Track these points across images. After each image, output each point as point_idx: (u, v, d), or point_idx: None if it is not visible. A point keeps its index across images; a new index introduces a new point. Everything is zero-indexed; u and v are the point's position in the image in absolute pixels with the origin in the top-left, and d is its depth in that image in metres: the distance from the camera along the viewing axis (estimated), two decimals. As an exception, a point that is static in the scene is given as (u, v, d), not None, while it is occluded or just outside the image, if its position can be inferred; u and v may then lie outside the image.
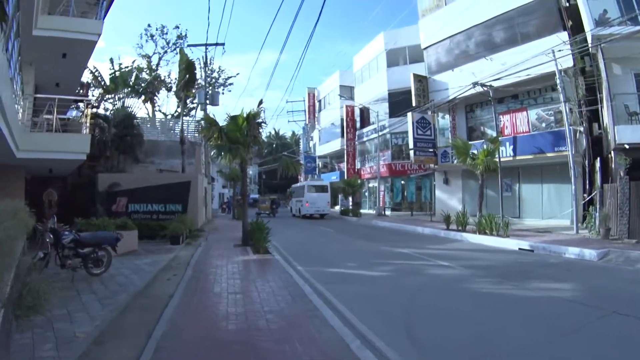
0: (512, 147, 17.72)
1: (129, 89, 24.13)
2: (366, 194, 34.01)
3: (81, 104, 14.44)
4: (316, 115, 43.25)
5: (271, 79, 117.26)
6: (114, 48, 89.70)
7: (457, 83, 19.91)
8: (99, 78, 23.35)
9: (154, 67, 28.50)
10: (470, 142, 17.64)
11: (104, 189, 15.02)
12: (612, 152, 13.65)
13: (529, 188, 18.69)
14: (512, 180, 19.00)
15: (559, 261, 9.56)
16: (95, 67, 23.72)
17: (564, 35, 15.66)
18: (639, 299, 6.17)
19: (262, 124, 13.00)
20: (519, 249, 11.53)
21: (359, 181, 30.61)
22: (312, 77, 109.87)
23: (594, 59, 14.69)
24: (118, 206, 15.08)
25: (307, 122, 45.91)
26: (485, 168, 15.29)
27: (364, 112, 33.27)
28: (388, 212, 28.74)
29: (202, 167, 23.51)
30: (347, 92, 36.68)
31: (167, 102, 65.62)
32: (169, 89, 29.20)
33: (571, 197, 14.85)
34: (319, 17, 22.80)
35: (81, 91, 18.89)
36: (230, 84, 35.00)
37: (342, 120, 35.45)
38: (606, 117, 14.28)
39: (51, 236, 7.12)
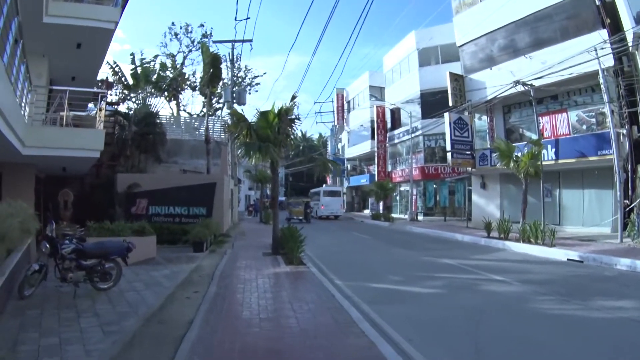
0: (554, 150, 16.63)
1: (151, 85, 23.16)
2: (397, 197, 32.66)
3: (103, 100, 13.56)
4: (345, 117, 41.68)
5: (302, 82, 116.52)
6: (141, 50, 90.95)
7: (495, 82, 18.94)
8: (120, 74, 22.47)
9: (178, 65, 27.62)
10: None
11: (123, 190, 14.11)
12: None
13: (570, 194, 17.65)
14: (552, 185, 17.98)
15: (613, 274, 8.92)
16: (115, 62, 22.84)
17: (604, 33, 14.57)
18: None
19: (296, 120, 11.68)
20: (568, 259, 10.84)
21: (390, 184, 29.37)
22: (339, 80, 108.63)
23: (632, 58, 13.86)
24: (138, 208, 14.21)
25: (335, 124, 44.40)
26: (527, 172, 14.30)
27: (395, 113, 32.07)
28: (420, 217, 27.94)
29: (228, 168, 22.45)
30: (377, 92, 35.70)
31: (192, 102, 65.45)
32: (193, 88, 28.32)
33: (614, 204, 14.20)
34: (355, 26, 21.50)
35: (102, 87, 18.03)
36: (257, 84, 34.03)
37: (372, 121, 34.20)
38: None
39: (47, 245, 5.96)
